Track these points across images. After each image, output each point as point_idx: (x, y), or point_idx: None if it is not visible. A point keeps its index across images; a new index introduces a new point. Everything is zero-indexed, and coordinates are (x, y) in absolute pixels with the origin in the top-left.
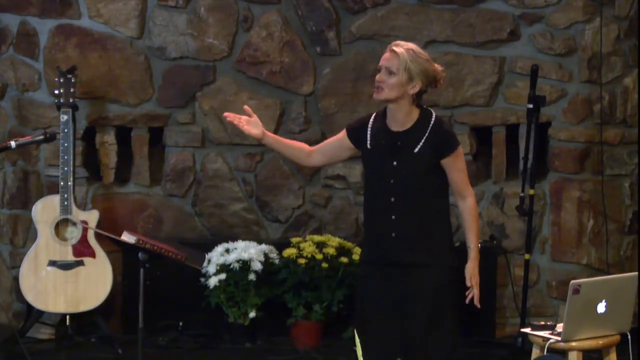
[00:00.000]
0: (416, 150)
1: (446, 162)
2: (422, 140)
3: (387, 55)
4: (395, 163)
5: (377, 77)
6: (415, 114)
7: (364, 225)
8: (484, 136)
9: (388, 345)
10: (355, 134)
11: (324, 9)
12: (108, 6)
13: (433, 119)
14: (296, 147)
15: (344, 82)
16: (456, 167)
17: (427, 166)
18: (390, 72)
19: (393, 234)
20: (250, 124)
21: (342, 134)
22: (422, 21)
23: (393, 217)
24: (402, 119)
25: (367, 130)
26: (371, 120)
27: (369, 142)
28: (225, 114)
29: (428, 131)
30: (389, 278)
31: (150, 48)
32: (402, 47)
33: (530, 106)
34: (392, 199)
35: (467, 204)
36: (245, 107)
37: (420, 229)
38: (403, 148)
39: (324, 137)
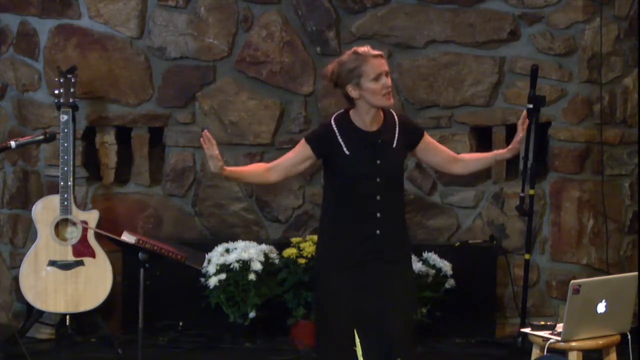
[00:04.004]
0: (394, 145)
1: (424, 142)
2: (396, 135)
3: (380, 61)
4: (379, 162)
5: (386, 82)
6: (381, 113)
7: (332, 231)
8: (484, 136)
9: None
10: (322, 145)
11: (324, 9)
12: (108, 6)
13: (395, 114)
14: (254, 172)
15: None
16: (435, 142)
17: (402, 159)
18: (388, 74)
19: (378, 232)
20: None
21: (303, 147)
22: (422, 21)
23: (378, 215)
24: (379, 118)
25: (336, 138)
26: (334, 127)
27: (345, 148)
28: (205, 132)
29: (397, 125)
30: (370, 277)
31: (150, 48)
32: (376, 50)
33: (530, 106)
34: (378, 197)
35: (463, 154)
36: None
37: (399, 223)
38: (383, 146)
39: None
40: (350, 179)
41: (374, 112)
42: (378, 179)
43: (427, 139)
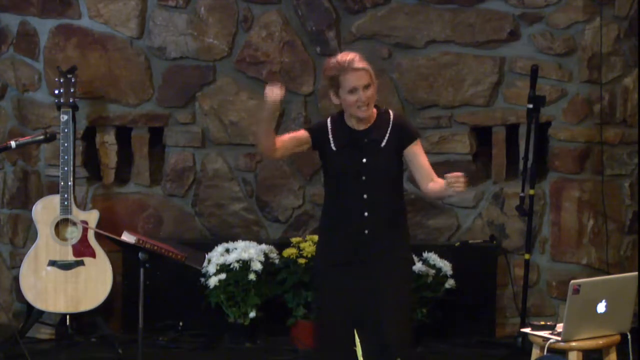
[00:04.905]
0: (383, 144)
1: (411, 150)
2: (387, 135)
3: (357, 75)
4: (365, 160)
5: (361, 96)
6: (374, 112)
7: (325, 228)
8: (484, 136)
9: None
10: (318, 136)
11: (324, 9)
12: (108, 6)
13: (392, 115)
14: (274, 140)
15: None
16: (422, 153)
17: (393, 160)
18: (368, 86)
19: (366, 231)
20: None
21: (302, 133)
22: (422, 21)
23: (365, 214)
24: (366, 118)
25: (327, 134)
26: (329, 124)
27: (332, 144)
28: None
29: (390, 126)
30: (359, 277)
31: (150, 48)
32: (360, 61)
33: (530, 106)
34: (365, 196)
35: (437, 180)
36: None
37: (390, 224)
38: (370, 144)
39: None
40: (336, 176)
41: (356, 118)
42: (364, 178)
43: (417, 149)
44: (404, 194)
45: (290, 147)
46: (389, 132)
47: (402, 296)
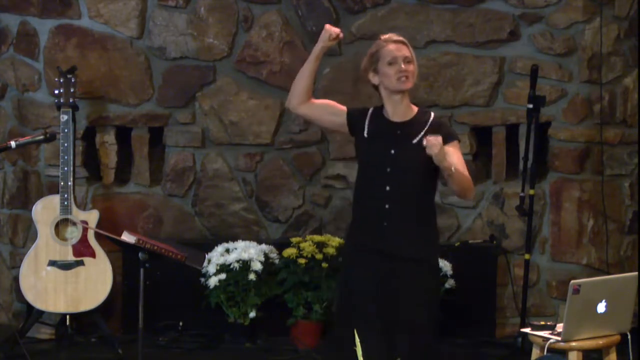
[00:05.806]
0: (415, 141)
1: (446, 151)
2: (422, 133)
3: (397, 46)
4: (393, 152)
5: (402, 67)
6: (414, 108)
7: (353, 214)
8: (484, 136)
9: (374, 338)
10: (354, 119)
11: (324, 9)
12: (108, 6)
13: (432, 116)
14: (311, 86)
15: (344, 82)
16: (455, 153)
17: (424, 158)
18: (409, 61)
19: (385, 223)
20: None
21: (340, 106)
22: (422, 21)
23: (387, 206)
24: (404, 110)
25: (365, 120)
26: (369, 112)
27: (366, 130)
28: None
29: (428, 125)
30: (377, 269)
31: (150, 48)
32: (399, 36)
33: (530, 106)
34: (388, 188)
35: None
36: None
37: (412, 222)
38: (402, 138)
39: (323, 137)
40: (364, 164)
41: (395, 99)
42: (388, 169)
43: (451, 149)
44: (434, 196)
45: (321, 110)
46: (425, 130)
47: (421, 305)
